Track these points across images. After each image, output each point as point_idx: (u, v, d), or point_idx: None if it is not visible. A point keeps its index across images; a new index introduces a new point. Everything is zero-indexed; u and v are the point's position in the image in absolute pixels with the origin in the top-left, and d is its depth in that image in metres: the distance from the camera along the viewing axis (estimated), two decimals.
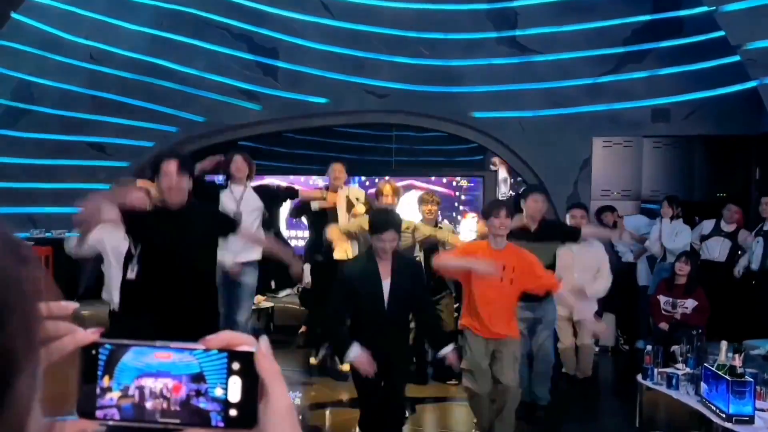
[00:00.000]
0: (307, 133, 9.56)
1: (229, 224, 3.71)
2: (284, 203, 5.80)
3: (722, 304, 6.05)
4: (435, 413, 5.23)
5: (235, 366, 0.60)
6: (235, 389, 0.60)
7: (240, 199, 4.95)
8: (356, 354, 3.62)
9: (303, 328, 6.44)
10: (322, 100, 8.51)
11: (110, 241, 4.18)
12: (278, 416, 0.60)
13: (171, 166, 3.29)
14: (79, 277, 7.82)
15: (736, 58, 6.82)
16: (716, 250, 6.72)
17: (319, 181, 8.62)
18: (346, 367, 5.67)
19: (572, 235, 4.95)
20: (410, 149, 10.03)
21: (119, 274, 3.83)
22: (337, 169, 5.79)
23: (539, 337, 4.84)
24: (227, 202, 4.86)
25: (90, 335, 0.61)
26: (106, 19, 8.42)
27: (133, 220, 3.35)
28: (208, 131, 8.67)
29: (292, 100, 8.49)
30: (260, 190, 5.18)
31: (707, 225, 6.88)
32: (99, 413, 0.61)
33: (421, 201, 5.64)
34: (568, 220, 5.54)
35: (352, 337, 3.71)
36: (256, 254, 4.88)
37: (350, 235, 5.17)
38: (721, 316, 5.97)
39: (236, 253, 4.65)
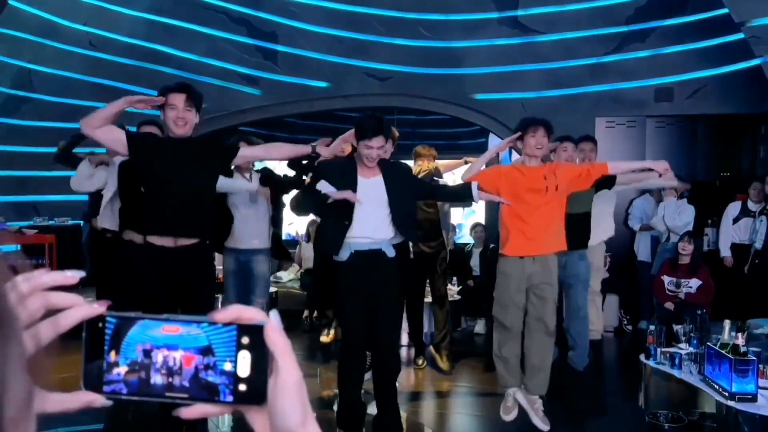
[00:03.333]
0: (308, 118, 9.53)
1: (230, 149, 3.63)
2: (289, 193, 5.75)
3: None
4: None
5: (245, 340, 0.59)
6: (244, 363, 0.59)
7: (251, 179, 4.90)
8: (325, 185, 3.43)
9: (306, 313, 6.48)
10: (323, 84, 8.46)
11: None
12: (288, 391, 0.59)
13: (178, 98, 3.28)
14: (83, 265, 7.86)
15: (740, 35, 6.75)
16: (747, 231, 6.46)
17: None
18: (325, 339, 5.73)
19: (608, 181, 4.54)
20: (412, 132, 9.98)
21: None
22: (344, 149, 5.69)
23: (574, 296, 4.65)
24: (238, 181, 4.78)
25: (97, 308, 0.60)
26: (104, 5, 8.37)
27: (137, 145, 3.36)
28: (209, 117, 8.63)
29: (292, 84, 8.45)
30: (265, 178, 5.12)
31: (733, 208, 6.65)
32: (106, 388, 0.60)
33: (417, 155, 5.48)
34: (578, 154, 5.24)
35: (336, 260, 3.52)
36: (267, 241, 4.85)
37: None
38: (728, 295, 5.97)
39: (251, 237, 4.71)
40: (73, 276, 0.60)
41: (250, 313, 0.60)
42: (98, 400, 0.60)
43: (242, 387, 0.59)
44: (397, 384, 4.81)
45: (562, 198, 4.00)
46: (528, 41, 8.04)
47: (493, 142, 9.97)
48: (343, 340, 3.73)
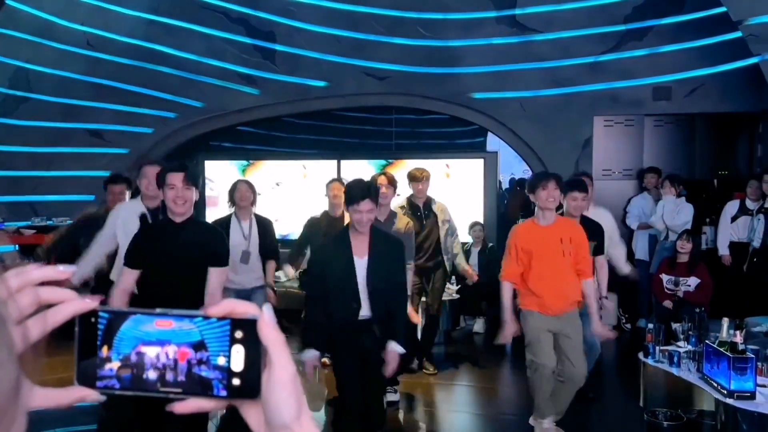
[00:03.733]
0: (307, 117, 9.51)
1: (218, 259, 3.49)
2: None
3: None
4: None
5: (238, 334, 0.59)
6: (238, 358, 0.59)
7: (249, 235, 4.96)
8: (310, 356, 3.49)
9: (305, 313, 6.46)
10: (321, 84, 8.46)
11: (125, 225, 4.12)
12: (282, 385, 0.59)
13: (176, 178, 3.31)
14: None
15: (738, 34, 6.75)
16: (746, 230, 6.46)
17: (317, 165, 8.59)
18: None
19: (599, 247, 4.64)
20: (411, 132, 9.97)
21: None
22: (336, 188, 5.51)
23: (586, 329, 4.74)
24: (235, 237, 4.85)
25: (89, 303, 0.59)
26: (102, 4, 8.36)
27: (138, 251, 3.39)
28: (207, 116, 8.64)
29: (290, 83, 8.45)
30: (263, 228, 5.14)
31: (731, 206, 6.64)
32: (99, 383, 0.59)
33: (412, 178, 5.44)
34: (566, 204, 4.89)
35: (328, 327, 3.52)
36: (263, 278, 5.01)
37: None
38: (726, 294, 5.97)
39: (249, 280, 4.87)
40: (64, 271, 0.59)
41: (243, 308, 0.60)
42: (91, 395, 0.60)
43: (236, 381, 0.59)
44: (395, 389, 4.83)
45: (575, 261, 4.03)
46: (526, 40, 8.04)
47: (491, 141, 9.99)
48: (340, 398, 3.68)
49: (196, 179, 3.44)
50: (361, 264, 3.53)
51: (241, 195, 5.02)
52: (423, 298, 5.64)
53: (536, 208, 4.08)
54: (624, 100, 7.91)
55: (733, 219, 6.59)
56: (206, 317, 0.59)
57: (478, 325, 7.28)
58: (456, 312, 7.19)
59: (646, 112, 7.92)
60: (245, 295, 4.85)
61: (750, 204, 6.52)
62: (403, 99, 8.54)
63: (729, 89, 7.51)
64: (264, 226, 5.08)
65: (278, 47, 8.44)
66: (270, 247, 5.04)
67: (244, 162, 8.77)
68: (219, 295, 3.34)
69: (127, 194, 5.18)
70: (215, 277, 3.36)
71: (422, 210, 5.44)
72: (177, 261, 3.31)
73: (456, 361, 6.08)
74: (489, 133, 9.37)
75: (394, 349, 3.48)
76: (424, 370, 5.69)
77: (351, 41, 8.33)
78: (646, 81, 7.80)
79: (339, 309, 3.53)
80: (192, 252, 3.33)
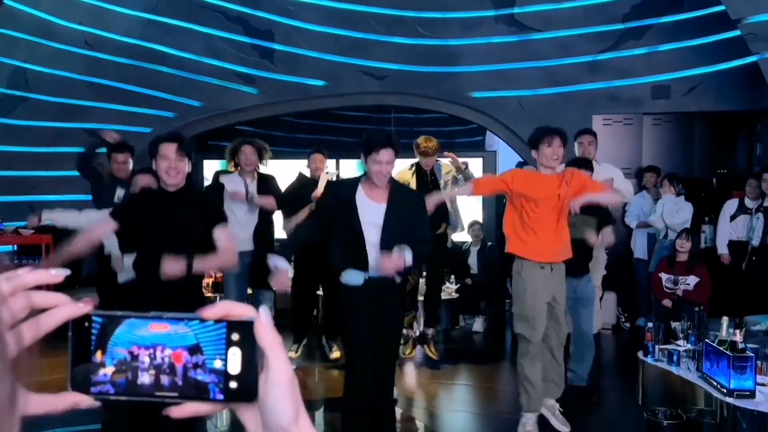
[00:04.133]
0: (305, 117, 9.51)
1: (219, 217, 3.50)
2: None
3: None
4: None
5: (235, 337, 0.58)
6: (234, 361, 0.58)
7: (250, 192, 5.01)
8: (283, 265, 3.26)
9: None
10: (320, 83, 8.45)
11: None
12: (279, 388, 0.58)
13: (169, 148, 3.28)
14: (80, 264, 7.83)
15: (737, 32, 6.75)
16: (745, 228, 6.44)
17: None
18: (336, 354, 5.72)
19: (607, 219, 4.59)
20: (409, 131, 9.96)
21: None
22: (318, 159, 5.78)
23: (579, 316, 4.67)
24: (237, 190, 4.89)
25: (82, 307, 0.58)
26: (100, 4, 8.34)
27: (126, 213, 3.38)
28: (206, 116, 8.63)
29: (289, 83, 8.43)
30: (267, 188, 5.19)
31: (730, 205, 6.62)
32: (94, 389, 0.58)
33: (423, 154, 5.32)
34: (576, 147, 5.25)
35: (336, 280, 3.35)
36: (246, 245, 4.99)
37: None
38: (724, 292, 5.97)
39: (251, 239, 4.93)
40: (57, 275, 0.59)
41: (239, 310, 0.59)
42: (85, 401, 0.59)
43: (233, 384, 0.58)
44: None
45: (567, 205, 3.94)
46: (525, 39, 8.04)
47: (491, 140, 9.98)
48: (348, 371, 3.48)
49: (189, 150, 3.38)
50: (378, 210, 3.28)
51: (247, 159, 5.00)
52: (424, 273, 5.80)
53: (538, 164, 3.89)
54: (623, 99, 7.91)
55: (732, 218, 6.58)
56: (202, 320, 0.59)
57: (478, 325, 7.28)
58: (455, 311, 7.19)
59: (645, 110, 7.92)
60: (248, 259, 4.91)
61: (749, 203, 6.52)
62: (401, 98, 8.53)
63: (728, 88, 7.51)
64: (265, 181, 5.12)
65: (277, 46, 8.43)
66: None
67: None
68: (232, 249, 3.36)
69: (131, 163, 5.04)
70: (222, 234, 3.32)
71: (428, 176, 5.42)
72: (171, 228, 3.27)
73: (455, 360, 6.08)
74: (488, 132, 9.36)
75: (403, 251, 3.16)
76: (428, 351, 5.84)
77: (350, 40, 8.32)
78: (645, 80, 7.80)
79: (344, 261, 3.28)
80: (186, 218, 3.29)
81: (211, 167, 8.83)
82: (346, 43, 8.32)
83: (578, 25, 7.87)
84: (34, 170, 8.28)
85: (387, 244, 3.24)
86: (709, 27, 7.37)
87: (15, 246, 7.63)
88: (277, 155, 9.18)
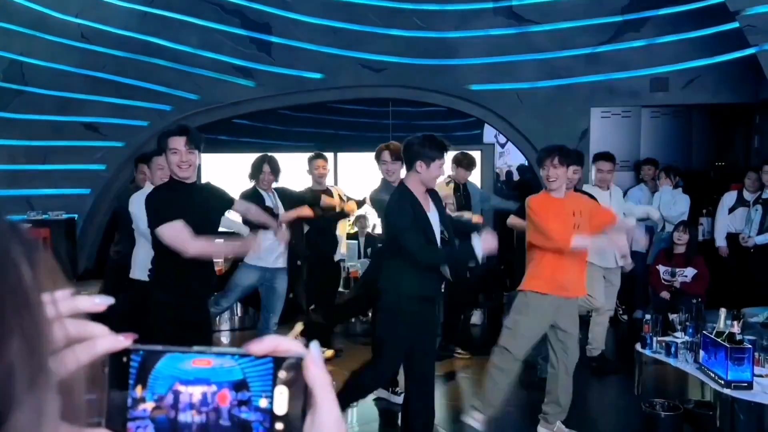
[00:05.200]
0: (303, 110, 9.48)
1: (226, 202, 3.75)
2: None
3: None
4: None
5: (282, 374, 0.54)
6: (281, 400, 0.54)
7: (275, 206, 5.10)
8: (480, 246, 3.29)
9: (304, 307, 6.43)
10: (318, 76, 8.42)
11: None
12: (327, 430, 0.54)
13: (178, 142, 3.27)
14: (77, 258, 7.83)
15: (735, 24, 6.73)
16: (743, 221, 6.44)
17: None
18: (328, 354, 5.76)
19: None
20: (408, 124, 9.94)
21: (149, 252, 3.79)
22: (321, 166, 5.71)
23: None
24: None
25: (122, 341, 0.55)
26: None
27: (163, 196, 3.43)
28: (203, 109, 8.59)
29: (286, 76, 8.40)
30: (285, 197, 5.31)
31: (729, 198, 6.62)
32: (131, 425, 0.55)
33: (466, 166, 5.76)
34: (594, 174, 5.48)
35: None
36: (283, 261, 5.10)
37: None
38: (722, 284, 5.98)
39: (276, 257, 4.99)
40: (101, 303, 0.55)
41: (287, 345, 0.56)
42: None
43: (278, 426, 0.54)
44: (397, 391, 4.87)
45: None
46: (523, 31, 8.01)
47: (488, 133, 9.97)
48: (377, 369, 3.67)
49: (198, 142, 3.37)
50: (433, 219, 3.37)
51: (265, 178, 5.16)
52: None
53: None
54: (621, 92, 7.89)
55: (731, 210, 6.59)
56: (248, 355, 0.55)
57: (476, 317, 7.29)
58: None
59: (643, 103, 7.91)
60: (271, 275, 5.01)
61: (747, 195, 6.52)
62: (399, 91, 8.51)
63: (726, 80, 7.50)
64: (281, 195, 5.29)
65: (274, 39, 8.39)
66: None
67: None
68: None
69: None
70: (242, 206, 3.76)
71: (461, 190, 5.80)
72: (205, 217, 3.39)
73: (453, 352, 6.07)
74: (486, 125, 9.35)
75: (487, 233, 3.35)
76: (456, 354, 5.96)
77: (347, 33, 8.29)
78: (643, 72, 7.78)
79: (426, 278, 3.37)
80: (214, 208, 3.51)
81: (207, 160, 8.80)
82: (343, 35, 8.29)
83: (577, 17, 7.84)
84: (30, 164, 8.25)
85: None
86: (707, 19, 7.35)
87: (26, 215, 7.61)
88: (274, 148, 9.21)
